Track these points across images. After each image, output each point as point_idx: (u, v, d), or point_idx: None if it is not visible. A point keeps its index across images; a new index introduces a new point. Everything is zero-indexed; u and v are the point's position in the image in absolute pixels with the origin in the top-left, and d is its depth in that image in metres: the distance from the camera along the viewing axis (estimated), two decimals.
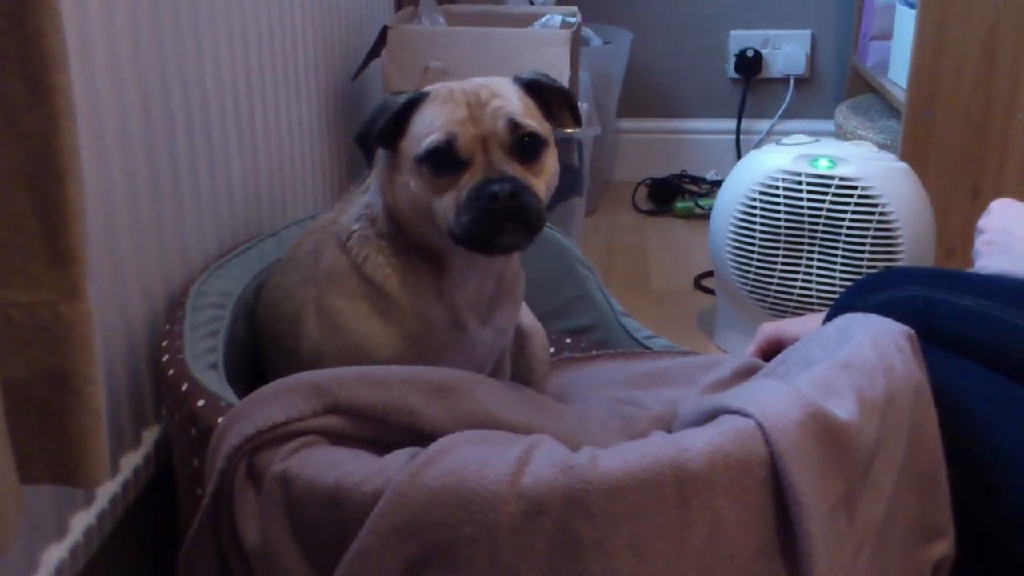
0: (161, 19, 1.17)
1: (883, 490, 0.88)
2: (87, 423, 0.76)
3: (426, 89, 1.07)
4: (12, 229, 0.71)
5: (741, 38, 2.91)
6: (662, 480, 0.80)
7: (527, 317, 1.32)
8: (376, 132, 1.06)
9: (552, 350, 1.43)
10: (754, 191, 1.82)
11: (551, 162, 1.07)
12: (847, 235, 1.77)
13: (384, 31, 1.92)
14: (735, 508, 0.81)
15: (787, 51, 2.90)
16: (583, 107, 2.19)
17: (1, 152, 0.70)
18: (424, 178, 1.03)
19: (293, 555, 0.88)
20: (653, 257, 2.49)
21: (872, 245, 1.76)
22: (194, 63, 1.27)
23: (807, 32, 2.90)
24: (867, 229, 1.76)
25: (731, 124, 2.96)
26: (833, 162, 1.78)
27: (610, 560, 0.80)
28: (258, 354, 1.27)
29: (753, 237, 1.84)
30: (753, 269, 1.86)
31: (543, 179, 1.05)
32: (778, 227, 1.82)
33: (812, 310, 1.80)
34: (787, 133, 2.22)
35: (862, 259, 1.77)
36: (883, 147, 1.97)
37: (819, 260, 1.81)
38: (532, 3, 2.49)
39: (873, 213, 1.75)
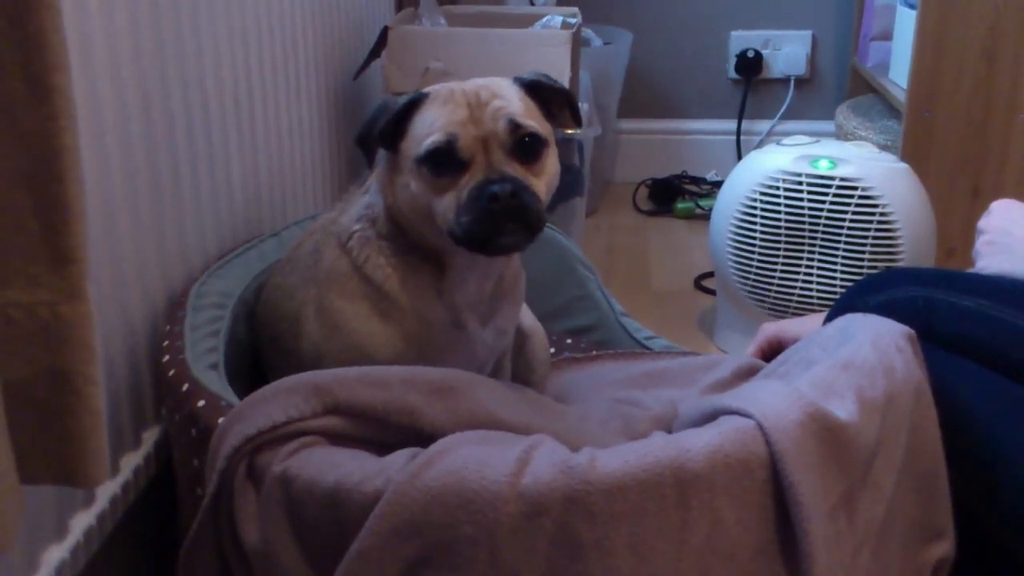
0: (161, 19, 1.17)
1: (883, 490, 0.88)
2: (87, 423, 0.76)
3: (426, 90, 1.07)
4: (12, 229, 0.71)
5: (741, 39, 2.91)
6: (662, 480, 0.80)
7: (527, 317, 1.32)
8: (377, 133, 1.06)
9: (552, 350, 1.43)
10: (755, 192, 1.82)
11: (551, 162, 1.07)
12: (848, 236, 1.77)
13: (385, 31, 1.92)
14: (735, 508, 0.81)
15: (787, 52, 2.90)
16: (584, 107, 2.19)
17: (1, 152, 0.70)
18: (424, 179, 1.03)
19: (293, 555, 0.88)
20: (653, 257, 2.49)
21: (872, 245, 1.76)
22: (194, 63, 1.27)
23: (807, 33, 2.90)
24: (867, 229, 1.76)
25: (732, 125, 2.96)
26: (834, 163, 1.78)
27: (610, 560, 0.80)
28: (258, 354, 1.27)
29: (753, 238, 1.84)
30: (753, 270, 1.86)
31: (544, 180, 1.05)
32: (778, 228, 1.82)
33: (812, 310, 1.80)
34: (788, 134, 2.22)
35: (862, 259, 1.77)
36: (883, 148, 1.97)
37: (819, 261, 1.81)
38: (533, 3, 2.49)
39: (874, 214, 1.75)
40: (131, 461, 1.15)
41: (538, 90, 1.09)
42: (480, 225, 1.00)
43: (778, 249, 1.83)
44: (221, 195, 1.37)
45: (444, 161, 1.01)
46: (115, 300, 1.11)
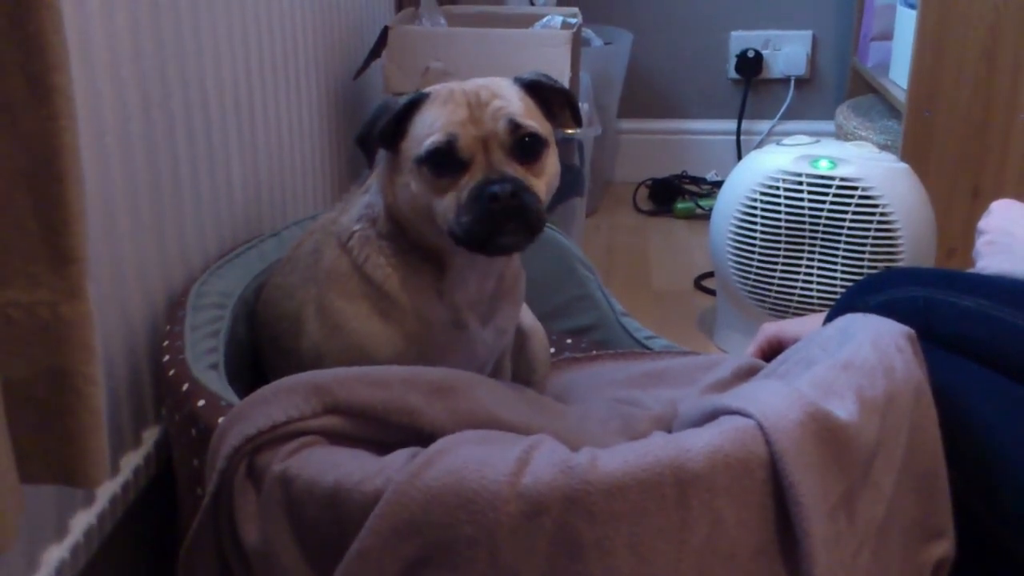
0: (161, 19, 1.17)
1: (883, 490, 0.88)
2: (87, 423, 0.76)
3: (427, 90, 1.07)
4: (12, 229, 0.71)
5: (742, 39, 2.91)
6: (662, 480, 0.80)
7: (527, 317, 1.32)
8: (377, 133, 1.06)
9: (552, 350, 1.43)
10: (755, 192, 1.82)
11: (552, 162, 1.07)
12: (848, 236, 1.77)
13: (385, 31, 1.92)
14: (735, 508, 0.81)
15: (788, 52, 2.90)
16: (584, 107, 2.19)
17: (1, 152, 0.70)
18: (425, 179, 1.03)
19: (293, 555, 0.88)
20: (654, 257, 2.49)
21: (873, 245, 1.76)
22: (194, 63, 1.27)
23: (808, 33, 2.90)
24: (868, 230, 1.76)
25: (732, 125, 2.96)
26: (834, 163, 1.78)
27: (610, 560, 0.80)
28: (258, 354, 1.27)
29: (754, 238, 1.84)
30: (754, 270, 1.86)
31: (544, 180, 1.05)
32: (779, 228, 1.82)
33: (813, 310, 1.80)
34: (788, 134, 2.22)
35: (863, 259, 1.77)
36: (884, 148, 1.97)
37: (820, 261, 1.81)
38: (533, 4, 2.49)
39: (874, 214, 1.75)
40: (131, 461, 1.15)
41: (538, 90, 1.09)
42: (480, 225, 1.00)
43: (778, 249, 1.83)
44: (221, 195, 1.37)
45: (444, 161, 1.01)
46: (115, 300, 1.11)
